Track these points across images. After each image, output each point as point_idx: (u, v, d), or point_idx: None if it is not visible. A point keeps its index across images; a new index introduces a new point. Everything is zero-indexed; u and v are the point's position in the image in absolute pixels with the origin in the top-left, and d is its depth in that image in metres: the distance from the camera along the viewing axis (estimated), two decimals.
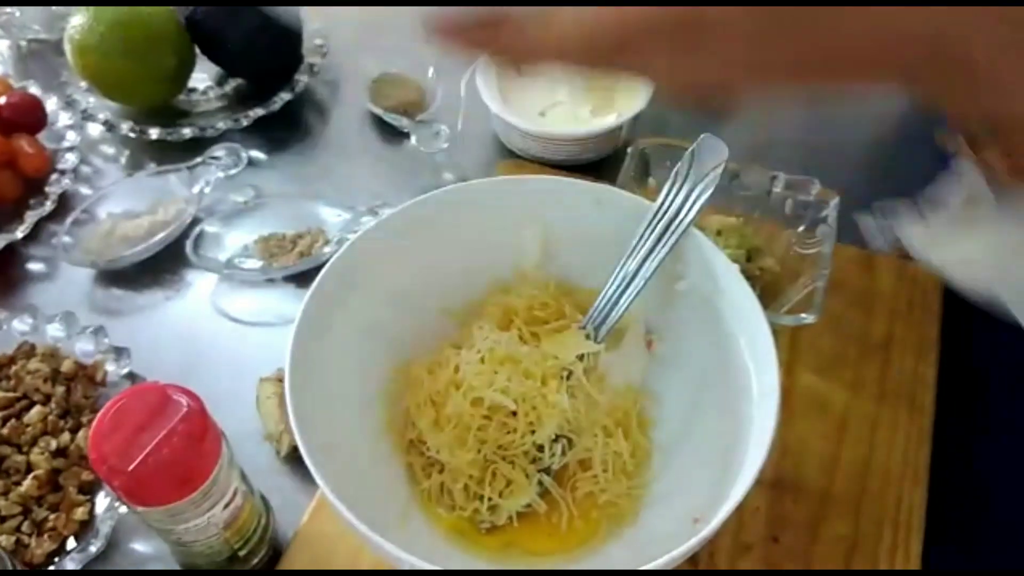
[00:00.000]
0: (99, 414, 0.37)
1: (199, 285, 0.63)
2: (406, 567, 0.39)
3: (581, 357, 0.47)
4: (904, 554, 0.48)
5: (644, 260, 0.46)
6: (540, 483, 0.47)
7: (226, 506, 0.41)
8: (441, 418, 0.48)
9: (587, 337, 0.48)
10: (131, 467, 0.36)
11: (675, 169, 0.45)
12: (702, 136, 0.45)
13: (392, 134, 0.73)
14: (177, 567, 0.47)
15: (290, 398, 0.41)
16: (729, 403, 0.45)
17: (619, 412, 0.49)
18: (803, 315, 0.51)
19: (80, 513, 0.50)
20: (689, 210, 0.44)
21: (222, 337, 0.60)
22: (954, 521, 0.52)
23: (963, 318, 0.59)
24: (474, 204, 0.50)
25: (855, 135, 0.71)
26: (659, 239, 0.45)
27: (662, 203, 0.45)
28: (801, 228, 0.57)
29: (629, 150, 0.58)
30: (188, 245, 0.62)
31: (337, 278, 0.47)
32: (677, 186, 0.45)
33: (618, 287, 0.47)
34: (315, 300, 0.45)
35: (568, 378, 0.48)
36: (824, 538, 0.49)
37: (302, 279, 0.62)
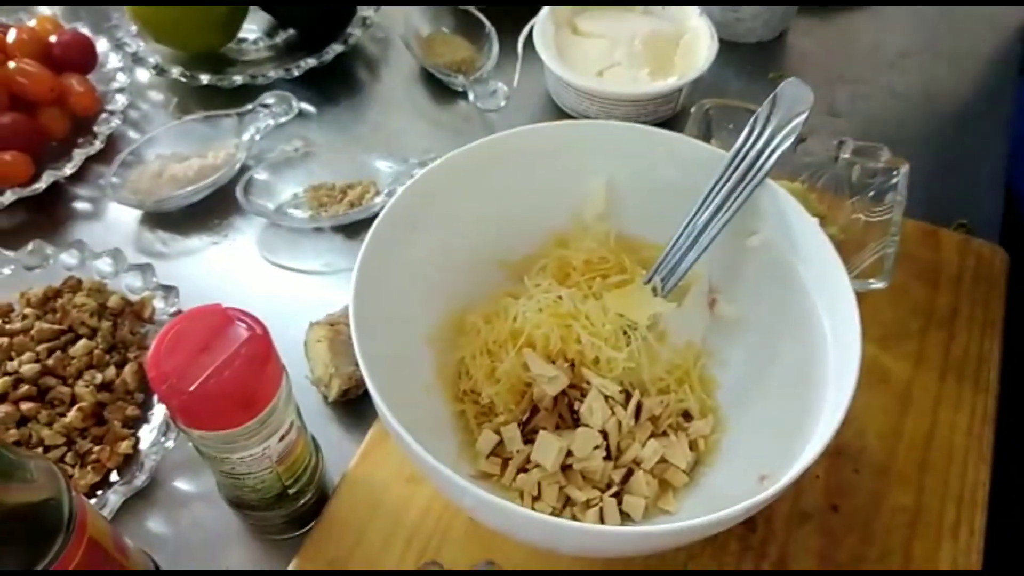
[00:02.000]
0: (159, 333, 0.36)
1: (246, 232, 0.62)
2: (467, 503, 0.38)
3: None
4: (968, 529, 0.47)
5: (717, 211, 0.44)
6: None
7: (281, 438, 0.40)
8: (497, 370, 0.47)
9: (654, 292, 0.47)
10: (192, 387, 0.35)
11: (755, 114, 0.43)
12: (786, 80, 0.44)
13: (442, 93, 0.72)
14: (223, 502, 0.45)
15: (354, 322, 0.40)
16: (802, 367, 0.43)
17: (680, 371, 0.48)
18: (872, 280, 0.49)
19: (124, 447, 0.49)
20: (768, 158, 0.43)
21: (269, 283, 0.59)
22: (1019, 500, 0.50)
23: None
24: (539, 150, 0.48)
25: (923, 110, 0.70)
26: (734, 189, 0.44)
27: (739, 150, 0.44)
28: (868, 196, 0.55)
29: (692, 110, 0.57)
30: (239, 190, 0.61)
31: (397, 219, 0.45)
32: (756, 132, 0.43)
33: (687, 239, 0.46)
34: (376, 240, 0.44)
35: (629, 333, 0.46)
36: (885, 509, 0.47)
37: (351, 230, 0.61)
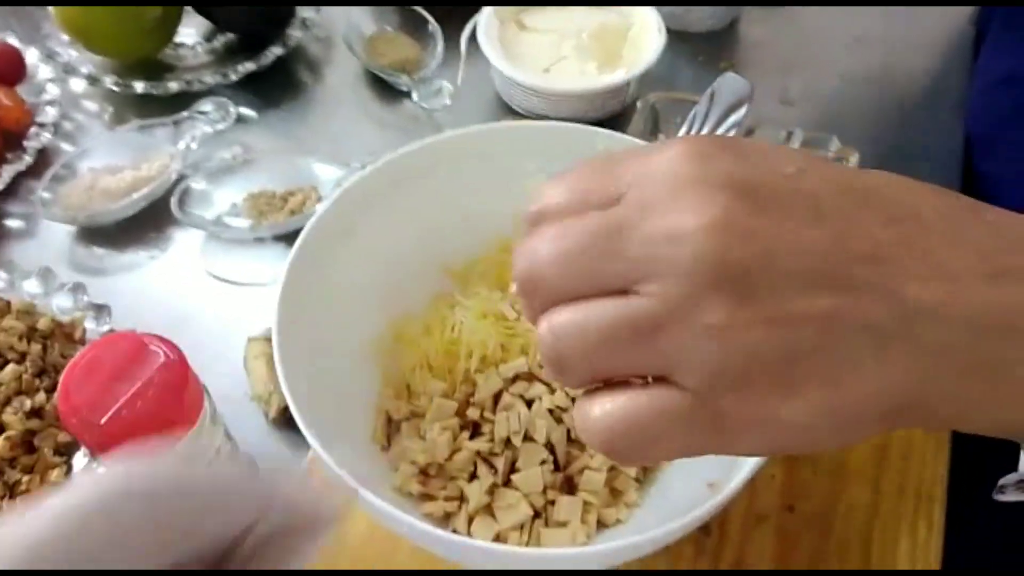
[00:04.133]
0: (69, 364, 0.35)
1: (185, 244, 0.60)
2: (401, 531, 0.36)
3: None
4: (927, 524, 0.46)
5: None
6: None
7: (208, 466, 0.38)
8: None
9: None
10: (103, 420, 0.33)
11: (693, 111, 0.42)
12: (724, 74, 0.42)
13: (388, 93, 0.70)
14: None
15: (278, 352, 0.38)
16: None
17: None
18: None
19: (56, 475, 0.47)
20: None
21: (209, 297, 0.57)
22: (979, 491, 0.49)
23: None
24: (475, 152, 0.47)
25: (878, 96, 0.69)
26: None
27: None
28: None
29: (639, 104, 0.55)
30: (173, 202, 0.59)
31: (329, 227, 0.44)
32: (696, 129, 0.42)
33: None
34: (305, 249, 0.43)
35: None
36: (842, 507, 0.46)
37: (293, 238, 0.58)
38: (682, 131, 0.42)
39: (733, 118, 0.41)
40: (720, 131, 0.41)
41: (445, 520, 0.43)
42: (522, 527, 0.42)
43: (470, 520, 0.42)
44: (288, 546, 0.22)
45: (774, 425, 0.23)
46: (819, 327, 0.22)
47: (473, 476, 0.43)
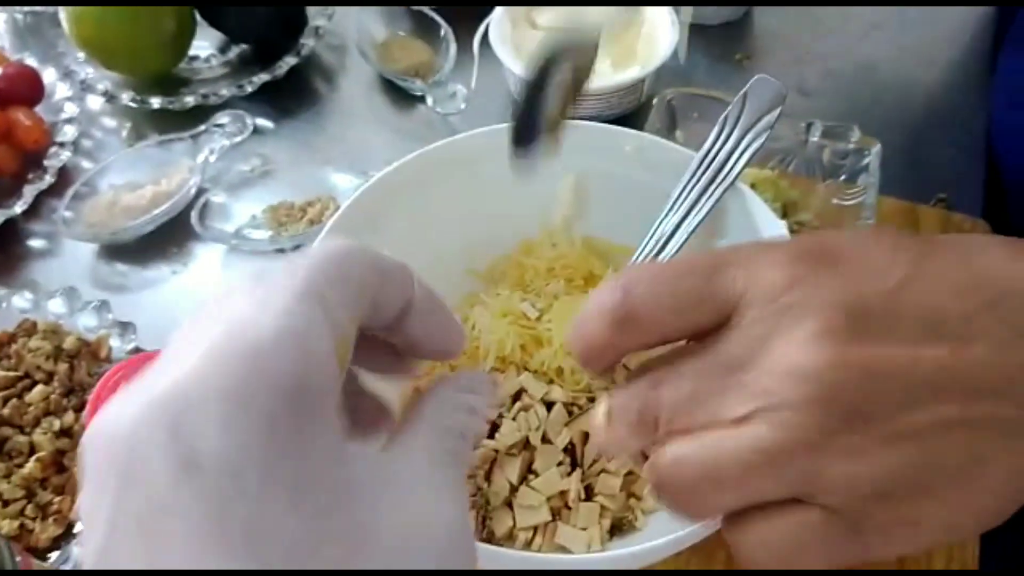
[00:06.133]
0: (98, 383, 0.35)
1: (206, 258, 0.60)
2: None
3: None
4: None
5: (686, 215, 0.42)
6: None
7: None
8: None
9: None
10: None
11: (724, 114, 0.41)
12: (756, 77, 0.42)
13: (402, 99, 0.70)
14: None
15: None
16: None
17: None
18: None
19: None
20: (738, 159, 0.41)
21: None
22: None
23: None
24: (494, 152, 0.46)
25: (898, 82, 0.67)
26: (703, 191, 0.42)
27: (708, 151, 0.42)
28: (840, 179, 0.54)
29: (655, 101, 0.55)
30: (194, 216, 0.59)
31: (348, 227, 0.44)
32: (726, 133, 0.41)
33: (655, 246, 0.44)
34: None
35: None
36: None
37: None
38: (712, 134, 0.42)
39: (764, 121, 0.41)
40: (749, 136, 0.41)
41: None
42: (536, 528, 0.42)
43: (482, 518, 0.42)
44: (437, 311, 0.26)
45: (915, 527, 0.24)
46: (946, 434, 0.23)
47: (489, 475, 0.43)
